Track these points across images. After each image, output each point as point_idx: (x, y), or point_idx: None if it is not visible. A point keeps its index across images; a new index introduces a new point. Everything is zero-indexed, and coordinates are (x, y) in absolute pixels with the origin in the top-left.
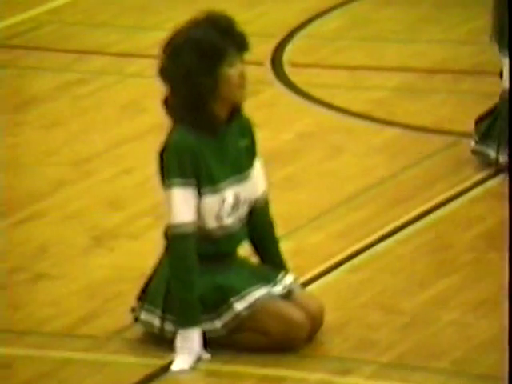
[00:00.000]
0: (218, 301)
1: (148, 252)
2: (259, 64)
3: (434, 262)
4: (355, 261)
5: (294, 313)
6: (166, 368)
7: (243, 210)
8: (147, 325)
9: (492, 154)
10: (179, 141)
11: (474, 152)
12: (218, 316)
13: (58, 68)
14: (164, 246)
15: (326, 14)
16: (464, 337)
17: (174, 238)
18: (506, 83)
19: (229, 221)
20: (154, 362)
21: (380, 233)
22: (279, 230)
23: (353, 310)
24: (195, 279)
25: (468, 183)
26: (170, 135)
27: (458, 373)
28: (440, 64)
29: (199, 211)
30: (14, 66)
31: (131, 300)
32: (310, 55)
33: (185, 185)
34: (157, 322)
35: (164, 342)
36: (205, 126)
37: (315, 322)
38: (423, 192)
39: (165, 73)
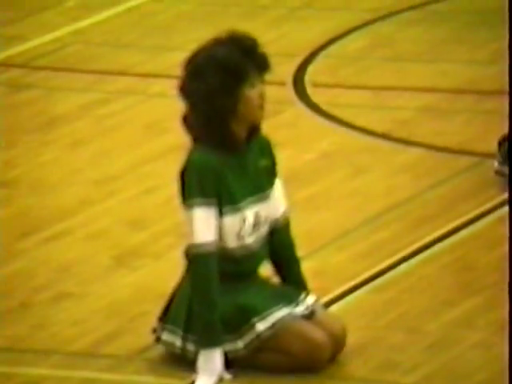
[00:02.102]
0: (240, 321)
1: (170, 272)
2: (281, 84)
3: (459, 283)
4: (379, 281)
5: (317, 333)
6: None
7: (264, 230)
8: (169, 345)
9: None
10: (200, 160)
11: (497, 172)
12: (240, 336)
13: (83, 88)
14: (185, 266)
15: (348, 34)
16: (489, 358)
17: (196, 258)
18: None
19: (250, 240)
20: (175, 382)
21: (404, 253)
22: (301, 250)
23: (376, 330)
24: (217, 299)
25: (492, 203)
26: (190, 154)
27: None
28: (464, 84)
29: (220, 231)
30: (39, 86)
31: (153, 320)
32: (332, 75)
33: (206, 204)
34: (178, 342)
35: (185, 363)
36: (225, 146)
37: (338, 342)
38: (447, 212)
39: (185, 91)
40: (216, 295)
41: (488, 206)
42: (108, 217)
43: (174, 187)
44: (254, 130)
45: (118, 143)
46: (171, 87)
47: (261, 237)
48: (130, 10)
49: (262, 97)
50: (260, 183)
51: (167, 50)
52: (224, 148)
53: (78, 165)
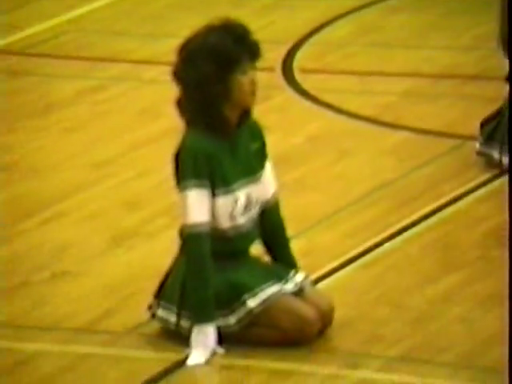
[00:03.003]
0: (232, 298)
1: (165, 251)
2: (270, 70)
3: (442, 260)
4: (365, 259)
5: (305, 309)
6: (181, 363)
7: (255, 211)
8: (164, 321)
9: (496, 155)
10: (193, 143)
11: (478, 153)
12: (232, 312)
13: (78, 75)
14: (179, 246)
15: (334, 21)
16: (470, 331)
17: (190, 238)
18: None
19: (242, 220)
20: (170, 356)
21: (389, 231)
22: (291, 230)
23: (362, 306)
24: (210, 277)
25: (474, 183)
26: (184, 138)
27: (464, 366)
28: (447, 69)
29: (213, 211)
30: (35, 73)
31: (149, 297)
32: (319, 61)
33: (199, 186)
34: (173, 318)
35: (180, 338)
36: (217, 130)
37: (325, 318)
38: (431, 192)
39: (179, 76)
40: (209, 273)
41: (470, 186)
42: (104, 199)
43: (168, 170)
44: (245, 114)
45: (113, 128)
46: (164, 73)
47: (252, 217)
48: None
49: (253, 83)
50: (251, 166)
51: (160, 37)
52: (216, 132)
53: (74, 149)
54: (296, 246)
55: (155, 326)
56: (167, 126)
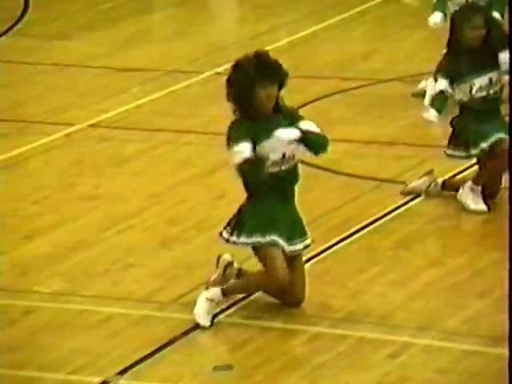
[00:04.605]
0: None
1: (193, 252)
2: None
3: (367, 258)
4: (320, 256)
5: (283, 280)
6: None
7: (292, 162)
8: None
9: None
10: (238, 121)
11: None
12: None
13: (140, 140)
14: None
15: None
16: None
17: (242, 165)
18: None
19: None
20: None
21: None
22: None
23: (319, 286)
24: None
25: (390, 208)
26: (234, 120)
27: (381, 324)
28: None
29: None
30: (115, 139)
31: (185, 280)
32: None
33: (243, 140)
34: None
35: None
36: (252, 116)
37: (298, 299)
38: (359, 217)
39: (229, 83)
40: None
41: (387, 210)
42: (156, 217)
43: (195, 200)
44: (277, 106)
45: (163, 172)
46: (196, 139)
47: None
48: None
49: (269, 96)
50: None
51: (191, 117)
52: (253, 117)
53: (138, 185)
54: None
55: (188, 298)
56: (195, 173)
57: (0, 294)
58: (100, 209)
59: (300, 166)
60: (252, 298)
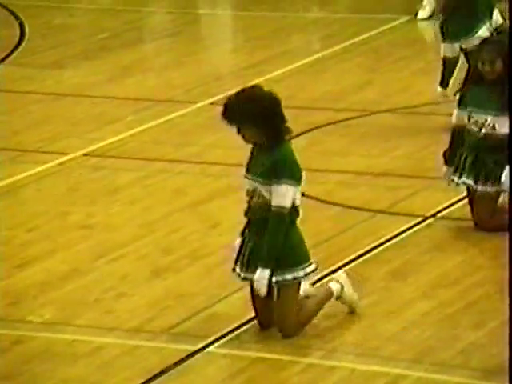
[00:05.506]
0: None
1: (187, 281)
2: None
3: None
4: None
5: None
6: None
7: None
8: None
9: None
10: (288, 149)
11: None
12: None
13: (136, 169)
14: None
15: None
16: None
17: (280, 215)
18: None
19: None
20: (187, 348)
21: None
22: None
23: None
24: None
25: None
26: (276, 148)
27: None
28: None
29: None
30: (108, 168)
31: (177, 309)
32: None
33: (295, 184)
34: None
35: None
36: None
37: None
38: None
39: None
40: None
41: (381, 240)
42: (149, 246)
43: (189, 229)
44: (267, 142)
45: (156, 202)
46: (188, 168)
47: None
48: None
49: (243, 137)
50: None
51: (186, 146)
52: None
53: (132, 214)
54: None
55: (180, 328)
56: (189, 202)
57: None
58: (93, 237)
59: None
60: (244, 328)
